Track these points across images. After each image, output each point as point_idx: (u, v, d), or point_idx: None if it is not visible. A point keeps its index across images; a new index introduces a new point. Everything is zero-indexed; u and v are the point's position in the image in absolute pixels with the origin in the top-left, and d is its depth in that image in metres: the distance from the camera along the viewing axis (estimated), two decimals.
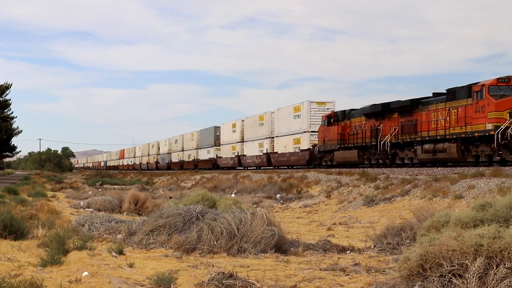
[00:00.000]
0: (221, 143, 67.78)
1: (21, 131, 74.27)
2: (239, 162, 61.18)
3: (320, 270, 9.46)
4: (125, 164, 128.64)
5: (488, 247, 6.45)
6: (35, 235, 12.83)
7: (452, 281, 6.43)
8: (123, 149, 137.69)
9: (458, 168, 26.65)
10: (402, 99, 34.65)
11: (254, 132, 58.28)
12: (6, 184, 39.93)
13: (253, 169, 54.95)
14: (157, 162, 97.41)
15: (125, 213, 21.04)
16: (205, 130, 75.13)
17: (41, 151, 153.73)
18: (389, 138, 34.36)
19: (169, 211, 12.55)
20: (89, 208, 22.51)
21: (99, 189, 37.12)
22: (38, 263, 9.43)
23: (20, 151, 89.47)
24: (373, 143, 36.27)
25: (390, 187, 23.16)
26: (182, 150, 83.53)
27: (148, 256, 10.74)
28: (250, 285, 7.95)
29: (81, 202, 24.41)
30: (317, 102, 46.84)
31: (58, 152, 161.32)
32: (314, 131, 45.47)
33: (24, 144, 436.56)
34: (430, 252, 6.72)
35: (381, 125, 35.67)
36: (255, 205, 21.23)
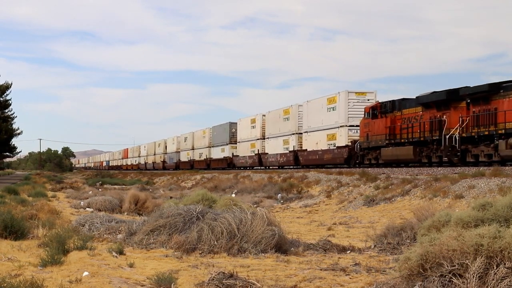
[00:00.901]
0: (237, 141, 61.45)
1: (21, 132, 74.37)
2: (260, 161, 55.29)
3: (321, 270, 9.46)
4: (129, 164, 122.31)
5: (488, 247, 6.45)
6: (35, 235, 12.83)
7: (453, 281, 6.43)
8: (127, 148, 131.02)
9: (459, 168, 26.61)
10: (471, 85, 29.34)
11: (278, 127, 51.69)
12: (6, 184, 39.94)
13: (275, 168, 50.46)
14: (164, 162, 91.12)
15: (125, 213, 21.05)
16: (219, 127, 68.28)
17: (41, 151, 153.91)
18: (457, 131, 28.82)
19: (170, 211, 12.56)
20: (89, 208, 22.52)
21: (99, 189, 37.13)
22: (39, 263, 9.43)
23: (21, 151, 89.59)
24: (434, 138, 30.56)
25: (390, 187, 23.16)
26: (192, 149, 77.08)
27: (148, 256, 10.74)
28: (251, 285, 7.94)
29: (81, 202, 24.42)
30: (356, 93, 41.18)
31: (58, 152, 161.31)
32: (353, 125, 40.04)
33: (25, 144, 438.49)
34: (431, 252, 6.72)
35: (444, 116, 30.05)
36: (255, 205, 21.23)
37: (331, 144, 42.38)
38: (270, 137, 53.70)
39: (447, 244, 6.69)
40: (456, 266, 6.50)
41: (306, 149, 46.18)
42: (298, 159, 47.54)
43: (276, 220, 12.19)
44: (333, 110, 42.29)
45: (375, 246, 12.31)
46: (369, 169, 33.56)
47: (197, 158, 74.74)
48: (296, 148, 48.13)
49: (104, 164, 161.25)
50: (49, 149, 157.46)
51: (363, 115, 37.92)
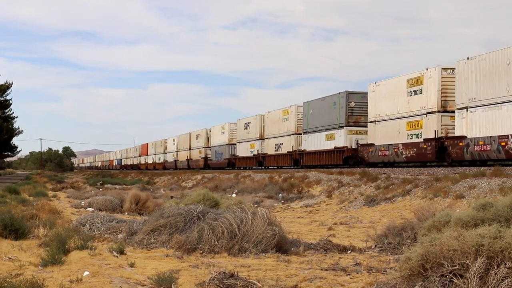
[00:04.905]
0: (370, 120, 36.96)
1: (22, 131, 74.49)
2: (440, 153, 29.96)
3: (321, 270, 9.46)
4: (150, 162, 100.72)
5: (489, 247, 6.44)
6: (36, 234, 12.84)
7: (453, 281, 6.43)
8: (146, 144, 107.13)
9: (459, 168, 26.57)
10: None
11: (493, 87, 26.32)
12: (7, 183, 39.97)
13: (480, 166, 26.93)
14: (206, 158, 70.01)
15: (126, 213, 21.06)
16: (320, 102, 43.50)
17: (42, 151, 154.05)
18: None
19: (170, 211, 12.56)
20: (90, 207, 22.53)
21: (100, 189, 37.16)
22: (39, 263, 9.44)
23: (21, 151, 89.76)
24: None
25: (391, 187, 23.15)
26: (261, 139, 54.57)
27: (149, 256, 10.74)
28: (251, 285, 7.94)
29: (82, 202, 24.43)
30: None
31: (59, 152, 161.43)
32: None
33: (25, 144, 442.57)
34: (431, 252, 6.72)
35: None
36: (256, 205, 21.24)
37: None
38: (475, 107, 27.26)
39: (448, 244, 6.69)
40: (457, 266, 6.50)
41: None
42: None
43: (276, 220, 12.18)
44: None
45: (375, 246, 12.31)
46: (370, 169, 33.32)
47: (271, 152, 51.78)
48: None
49: (115, 163, 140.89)
50: (50, 149, 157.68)
51: None
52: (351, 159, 38.86)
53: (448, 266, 6.55)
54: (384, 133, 35.04)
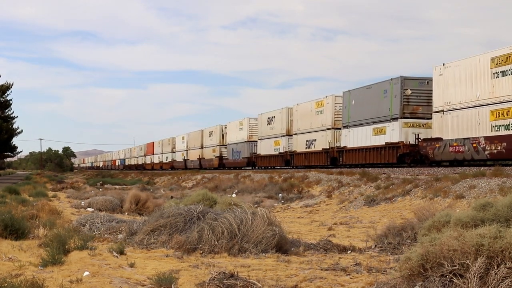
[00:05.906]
0: (436, 109, 29.83)
1: (22, 131, 74.55)
2: None
3: (321, 270, 9.46)
4: (156, 161, 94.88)
5: (489, 247, 6.44)
6: (36, 235, 12.84)
7: (453, 281, 6.42)
8: (152, 142, 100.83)
9: (459, 168, 26.54)
10: None
11: None
12: (7, 184, 39.97)
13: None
14: (221, 157, 64.11)
15: (126, 213, 21.06)
16: (366, 91, 37.11)
17: (42, 151, 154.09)
18: None
19: (170, 211, 12.56)
20: (90, 208, 22.53)
21: (100, 189, 37.18)
22: (39, 263, 9.43)
23: (21, 151, 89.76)
24: None
25: (391, 187, 23.15)
26: (288, 135, 48.49)
27: (149, 256, 10.74)
28: (251, 285, 7.94)
29: (82, 202, 24.43)
30: None
31: (59, 152, 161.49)
32: None
33: (25, 144, 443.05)
34: (431, 252, 6.72)
35: None
36: (256, 205, 21.24)
37: None
38: None
39: (448, 244, 6.69)
40: (457, 266, 6.50)
41: None
42: None
43: (276, 220, 12.18)
44: None
45: (375, 246, 12.31)
46: (370, 169, 33.26)
47: (300, 149, 45.55)
48: None
49: (118, 163, 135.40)
50: (50, 149, 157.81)
51: None
52: (408, 156, 32.39)
53: (448, 266, 6.55)
54: (457, 124, 28.13)
